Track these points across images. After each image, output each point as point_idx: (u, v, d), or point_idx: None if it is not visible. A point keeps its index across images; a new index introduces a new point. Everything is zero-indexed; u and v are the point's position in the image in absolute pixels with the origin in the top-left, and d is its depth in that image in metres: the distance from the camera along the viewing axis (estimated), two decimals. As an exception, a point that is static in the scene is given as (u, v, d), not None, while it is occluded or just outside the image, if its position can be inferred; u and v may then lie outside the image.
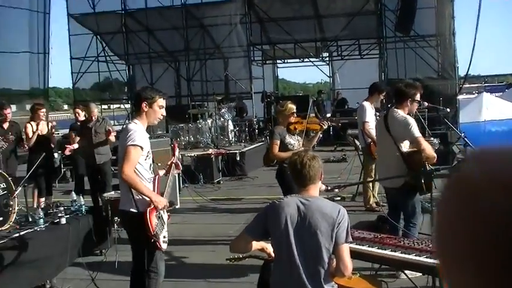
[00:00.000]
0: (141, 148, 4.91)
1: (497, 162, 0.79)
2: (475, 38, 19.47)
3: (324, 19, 23.74)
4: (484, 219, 0.75)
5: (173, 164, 5.52)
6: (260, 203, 11.14)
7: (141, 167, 4.97)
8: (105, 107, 29.74)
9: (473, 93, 46.75)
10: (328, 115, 23.95)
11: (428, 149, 5.97)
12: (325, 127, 7.87)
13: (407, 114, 6.43)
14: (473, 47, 18.87)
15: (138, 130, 4.96)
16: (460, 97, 23.70)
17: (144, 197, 4.93)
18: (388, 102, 13.13)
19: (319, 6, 22.86)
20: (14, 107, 12.90)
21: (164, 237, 5.13)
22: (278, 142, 7.42)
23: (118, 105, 30.98)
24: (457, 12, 23.19)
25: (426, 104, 8.12)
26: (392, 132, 6.29)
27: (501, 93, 45.48)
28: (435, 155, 5.95)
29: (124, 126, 5.37)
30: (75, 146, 10.49)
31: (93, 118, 10.06)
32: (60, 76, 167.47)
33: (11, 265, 6.08)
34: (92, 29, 23.70)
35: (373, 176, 9.71)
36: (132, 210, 4.95)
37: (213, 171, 14.39)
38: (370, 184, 9.90)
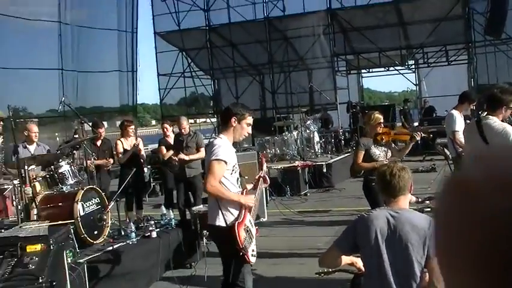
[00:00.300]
0: (225, 162, 4.93)
1: (497, 164, 0.80)
2: None
3: (408, 26, 23.23)
4: (484, 221, 0.75)
5: (261, 178, 5.49)
6: (348, 215, 10.98)
7: (227, 181, 4.99)
8: (192, 121, 30.27)
9: None
10: (416, 124, 23.46)
11: None
12: (418, 138, 7.62)
13: (501, 121, 6.13)
14: None
15: (222, 145, 4.99)
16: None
17: (231, 211, 4.96)
18: (479, 108, 12.67)
19: (404, 13, 22.41)
20: (105, 124, 13.33)
21: (253, 250, 5.11)
22: (362, 152, 7.30)
23: (204, 120, 31.49)
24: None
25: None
26: (490, 141, 5.99)
27: None
28: None
29: (210, 140, 5.39)
30: (183, 156, 10.57)
31: (184, 132, 10.21)
32: (147, 92, 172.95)
33: (105, 278, 6.25)
34: (177, 46, 24.27)
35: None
36: (220, 224, 4.96)
37: (300, 183, 14.31)
38: None
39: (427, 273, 3.63)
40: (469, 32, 21.45)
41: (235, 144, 5.43)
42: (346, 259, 3.97)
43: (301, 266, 7.78)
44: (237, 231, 4.87)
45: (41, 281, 3.89)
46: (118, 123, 20.97)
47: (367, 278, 3.84)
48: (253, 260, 5.11)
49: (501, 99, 5.97)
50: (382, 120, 7.57)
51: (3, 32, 16.78)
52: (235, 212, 4.97)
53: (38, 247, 4.11)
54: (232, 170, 5.06)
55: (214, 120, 25.60)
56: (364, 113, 20.59)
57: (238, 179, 5.17)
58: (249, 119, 5.18)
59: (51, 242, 4.24)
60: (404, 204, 3.79)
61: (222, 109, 25.10)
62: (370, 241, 3.68)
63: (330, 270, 4.24)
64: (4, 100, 15.54)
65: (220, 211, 4.94)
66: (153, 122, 78.28)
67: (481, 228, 0.75)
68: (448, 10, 20.81)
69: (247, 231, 5.04)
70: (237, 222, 4.92)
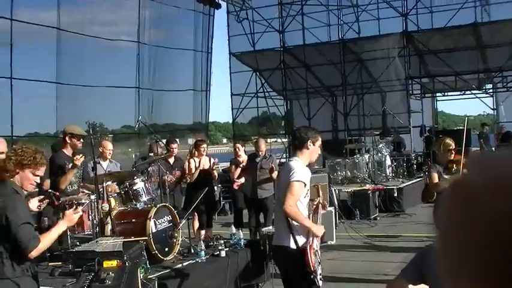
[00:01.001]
0: (305, 184, 5.06)
1: (499, 168, 0.80)
2: None
3: (487, 49, 22.72)
4: (486, 225, 0.76)
5: (320, 204, 5.54)
6: (418, 241, 10.78)
7: (300, 203, 5.07)
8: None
9: None
10: (493, 149, 22.83)
11: None
12: None
13: None
14: None
15: (301, 167, 5.13)
16: None
17: (301, 233, 5.01)
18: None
19: (483, 36, 21.91)
20: (177, 141, 13.66)
21: (320, 274, 5.16)
22: (436, 175, 7.20)
23: (275, 139, 31.64)
24: None
25: None
26: None
27: None
28: None
29: (285, 162, 5.49)
30: (242, 180, 10.77)
31: (261, 154, 10.37)
32: (219, 111, 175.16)
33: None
34: (251, 66, 24.57)
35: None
36: (290, 246, 5.02)
37: (370, 206, 14.19)
38: None
39: None
40: (551, 56, 20.78)
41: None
42: None
43: (368, 292, 7.73)
44: (309, 253, 4.93)
45: (116, 297, 4.07)
46: (190, 140, 21.48)
47: None
48: (321, 283, 5.14)
49: None
50: (452, 147, 7.42)
51: (84, 51, 17.40)
52: (305, 235, 5.03)
53: (114, 263, 4.28)
54: (306, 194, 5.16)
55: (285, 140, 25.68)
56: (437, 137, 20.27)
57: (308, 203, 5.24)
58: (320, 141, 5.38)
59: (125, 258, 4.40)
60: None
61: (293, 130, 25.24)
62: (436, 275, 3.62)
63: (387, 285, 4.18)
64: (83, 116, 16.20)
65: (291, 233, 5.01)
66: (224, 141, 79.17)
67: (485, 233, 0.76)
68: (530, 33, 20.26)
69: (316, 254, 5.08)
70: (308, 245, 4.99)
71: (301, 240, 5.03)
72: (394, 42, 21.76)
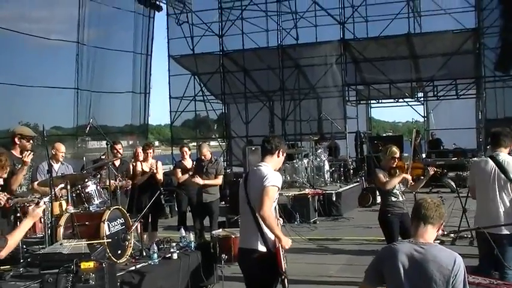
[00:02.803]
0: (278, 188, 5.20)
1: None
2: None
3: (420, 59, 23.56)
4: None
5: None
6: (358, 244, 11.17)
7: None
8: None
9: None
10: (423, 155, 23.67)
11: None
12: (431, 173, 7.86)
13: None
14: None
15: (273, 172, 5.27)
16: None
17: (271, 237, 5.14)
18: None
19: (416, 46, 22.73)
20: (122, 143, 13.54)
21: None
22: (382, 176, 7.58)
23: (208, 142, 31.73)
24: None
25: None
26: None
27: None
28: None
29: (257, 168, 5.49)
30: (185, 176, 10.83)
31: (205, 158, 10.47)
32: (152, 114, 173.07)
33: (127, 297, 6.38)
34: (190, 70, 24.61)
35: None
36: (259, 249, 5.13)
37: (310, 210, 14.47)
38: None
39: None
40: (479, 67, 21.71)
41: None
42: None
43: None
44: (279, 256, 5.09)
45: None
46: (127, 143, 21.28)
47: None
48: (287, 285, 5.25)
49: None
50: (397, 155, 7.81)
51: (17, 48, 16.98)
52: (273, 238, 5.15)
53: (91, 264, 4.31)
54: (276, 198, 5.30)
55: (223, 144, 25.81)
56: (372, 142, 20.86)
57: (276, 208, 5.40)
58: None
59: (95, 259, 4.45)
60: (430, 237, 3.93)
61: (230, 134, 25.49)
62: (393, 275, 3.82)
63: None
64: (18, 116, 15.88)
65: (261, 236, 5.13)
66: (156, 143, 78.45)
67: None
68: (460, 45, 21.15)
69: (284, 256, 5.23)
70: (279, 247, 5.13)
71: (270, 243, 5.14)
72: (332, 49, 22.27)
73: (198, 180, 10.31)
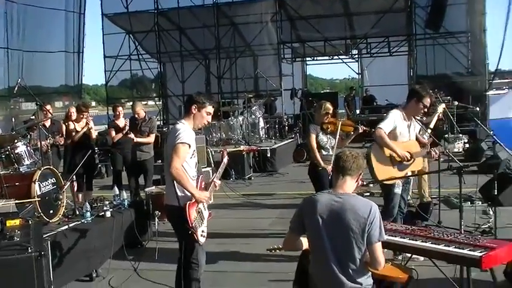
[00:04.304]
0: (189, 146, 5.23)
1: None
2: (505, 34, 19.57)
3: (354, 17, 23.89)
4: None
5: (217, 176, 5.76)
6: (291, 198, 11.47)
7: (186, 164, 5.29)
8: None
9: (504, 89, 46.28)
10: (357, 111, 24.23)
11: None
12: (360, 131, 8.15)
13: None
14: (503, 42, 18.99)
15: (185, 129, 5.29)
16: (490, 93, 23.66)
17: (186, 192, 5.23)
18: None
19: (350, 4, 23.04)
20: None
21: (203, 231, 5.37)
22: (314, 137, 7.84)
23: (146, 102, 31.52)
24: (489, 8, 23.10)
25: (456, 103, 8.42)
26: None
27: (532, 89, 44.91)
28: None
29: (172, 126, 5.59)
30: (119, 135, 10.87)
31: (139, 117, 10.48)
32: (87, 74, 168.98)
33: (61, 255, 6.45)
34: (125, 28, 24.20)
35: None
36: (174, 204, 5.25)
37: (245, 167, 14.74)
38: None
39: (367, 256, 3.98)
40: (410, 25, 22.15)
41: None
42: (306, 243, 4.29)
43: (247, 246, 8.20)
44: (187, 210, 5.15)
45: (30, 250, 4.23)
46: (58, 104, 20.97)
47: (312, 257, 4.17)
48: (202, 240, 5.34)
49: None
50: (331, 111, 8.10)
51: None
52: (189, 194, 5.25)
53: (17, 222, 4.39)
54: (192, 154, 5.36)
55: (159, 103, 25.68)
56: (307, 100, 21.16)
57: (196, 163, 5.49)
58: (209, 108, 5.47)
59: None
60: (349, 188, 4.15)
61: (167, 93, 25.35)
62: (313, 224, 4.02)
63: (280, 246, 4.55)
64: None
65: (175, 192, 5.21)
66: (93, 104, 77.16)
67: None
68: (392, 3, 21.47)
69: (199, 212, 5.33)
70: (188, 202, 5.19)
71: (184, 198, 5.23)
72: (267, 7, 22.25)
73: (132, 136, 10.38)
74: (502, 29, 19.53)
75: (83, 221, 7.16)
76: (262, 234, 8.86)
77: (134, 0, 23.23)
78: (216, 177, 5.76)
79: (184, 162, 5.24)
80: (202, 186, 5.53)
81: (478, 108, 11.78)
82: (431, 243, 4.44)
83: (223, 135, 17.02)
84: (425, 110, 6.93)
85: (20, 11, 18.91)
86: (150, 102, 27.90)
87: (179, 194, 5.22)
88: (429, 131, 9.58)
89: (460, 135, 17.18)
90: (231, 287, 6.67)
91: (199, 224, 5.30)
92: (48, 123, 10.37)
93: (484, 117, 20.43)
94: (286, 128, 20.18)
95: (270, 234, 8.77)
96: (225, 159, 6.08)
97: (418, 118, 8.95)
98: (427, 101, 6.75)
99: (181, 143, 5.17)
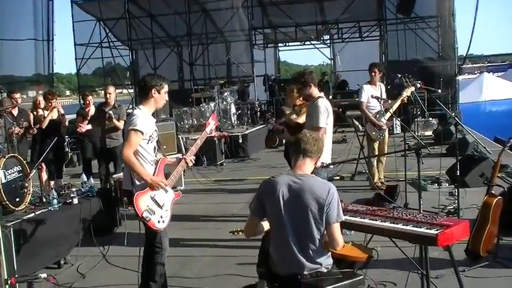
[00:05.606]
0: (142, 133, 5.19)
1: None
2: (475, 18, 19.83)
3: (324, 2, 23.95)
4: None
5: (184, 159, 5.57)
6: (262, 183, 11.50)
7: (143, 150, 5.28)
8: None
9: (475, 73, 46.86)
10: (330, 97, 24.32)
11: None
12: None
13: None
14: (473, 27, 19.19)
15: (141, 115, 5.27)
16: (461, 77, 23.92)
17: (140, 180, 5.20)
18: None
19: (320, -11, 23.11)
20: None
21: (161, 216, 5.26)
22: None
23: (121, 90, 31.31)
24: (457, -7, 23.34)
25: (418, 85, 8.54)
26: None
27: (503, 73, 45.63)
28: None
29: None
30: (89, 127, 10.85)
31: (110, 99, 10.40)
32: (61, 62, 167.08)
33: (28, 244, 6.41)
34: (95, 16, 23.94)
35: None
36: (129, 189, 5.27)
37: (216, 153, 14.75)
38: (374, 163, 10.29)
39: (327, 236, 4.04)
40: (381, 10, 22.28)
41: (153, 115, 5.65)
42: (266, 225, 4.33)
43: (217, 230, 8.26)
44: (135, 200, 5.10)
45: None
46: (32, 93, 20.72)
47: (272, 238, 4.21)
48: (160, 226, 5.25)
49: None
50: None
51: None
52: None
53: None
54: (149, 140, 5.32)
55: (131, 91, 25.52)
56: (280, 86, 21.22)
57: (155, 148, 5.43)
58: (166, 87, 5.48)
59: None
60: (307, 169, 4.20)
61: (139, 80, 24.87)
62: (273, 205, 4.06)
63: (243, 228, 4.57)
64: None
65: (130, 177, 5.24)
66: (67, 92, 76.54)
67: None
68: (362, -12, 21.57)
69: (153, 198, 5.22)
70: (137, 193, 5.13)
71: (139, 186, 5.20)
72: (238, -8, 22.19)
73: (117, 123, 10.22)
74: (472, 13, 19.73)
75: (49, 208, 7.12)
76: (232, 219, 8.91)
77: (104, -13, 23.01)
78: (192, 151, 5.65)
79: (140, 148, 5.24)
80: (164, 171, 5.45)
81: (440, 91, 11.92)
82: (390, 222, 4.52)
83: (195, 122, 17.00)
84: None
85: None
86: (125, 91, 27.70)
87: (136, 182, 5.21)
88: (388, 114, 9.83)
89: (430, 118, 17.52)
90: (198, 270, 6.71)
91: (154, 211, 5.20)
92: (15, 112, 10.29)
93: (454, 101, 20.68)
94: (259, 114, 20.21)
95: (238, 219, 8.81)
96: (209, 128, 5.91)
97: (382, 100, 9.18)
98: None
99: (133, 129, 5.17)
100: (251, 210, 4.32)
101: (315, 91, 6.83)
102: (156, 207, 5.24)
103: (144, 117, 5.30)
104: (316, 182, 4.09)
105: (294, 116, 8.06)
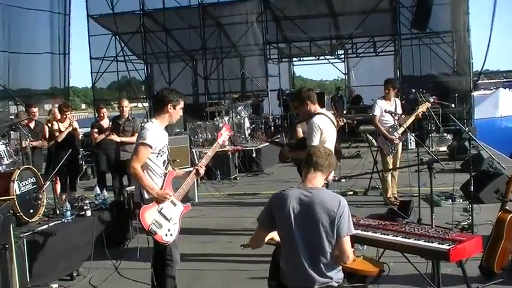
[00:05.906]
0: (150, 147, 5.19)
1: None
2: (490, 34, 19.71)
3: (339, 17, 24.02)
4: None
5: (196, 170, 5.58)
6: (275, 197, 11.47)
7: (152, 163, 5.28)
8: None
9: (491, 89, 46.58)
10: (344, 112, 24.31)
11: None
12: (341, 124, 8.23)
13: None
14: (489, 42, 19.15)
15: (151, 129, 5.28)
16: (477, 93, 23.78)
17: (148, 193, 5.22)
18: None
19: (334, 4, 23.15)
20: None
21: (169, 230, 5.26)
22: (301, 131, 8.02)
23: (135, 104, 31.48)
24: (474, 7, 23.30)
25: (432, 100, 8.53)
26: None
27: (519, 89, 45.28)
28: None
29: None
30: (102, 136, 10.89)
31: (124, 112, 10.48)
32: (77, 76, 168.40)
33: (41, 255, 6.45)
34: (111, 30, 24.16)
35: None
36: (140, 202, 5.25)
37: (230, 167, 14.76)
38: (388, 178, 10.25)
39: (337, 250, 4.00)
40: (395, 25, 22.28)
41: (166, 128, 5.66)
42: (267, 237, 4.36)
43: (228, 244, 8.23)
44: (141, 214, 5.10)
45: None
46: (48, 106, 20.88)
47: (283, 252, 4.19)
48: (168, 239, 5.25)
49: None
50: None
51: None
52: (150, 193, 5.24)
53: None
54: (158, 154, 5.31)
55: (146, 104, 25.66)
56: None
57: (165, 161, 5.42)
58: (182, 104, 5.49)
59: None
60: (318, 183, 4.19)
61: (154, 94, 25.22)
62: (283, 218, 4.05)
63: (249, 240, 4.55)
64: None
65: (140, 190, 5.25)
66: (83, 106, 77.12)
67: None
68: (376, 3, 21.58)
69: (160, 211, 5.22)
70: (143, 207, 5.13)
71: (148, 199, 5.21)
72: (252, 7, 22.33)
73: (115, 137, 10.38)
74: (487, 28, 19.66)
75: (63, 220, 7.16)
76: (244, 233, 8.88)
77: (120, 2, 23.18)
78: (204, 160, 5.66)
79: (149, 161, 5.25)
80: (172, 186, 5.42)
81: (453, 105, 11.85)
82: (402, 237, 4.50)
83: (209, 136, 17.03)
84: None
85: (5, 12, 18.83)
86: (140, 105, 27.85)
87: (145, 196, 5.22)
88: (402, 129, 9.79)
89: (445, 134, 17.44)
90: (210, 284, 6.71)
91: (161, 224, 5.19)
92: (32, 125, 10.42)
93: (469, 117, 20.58)
94: (272, 128, 20.21)
95: (251, 233, 8.74)
96: (221, 139, 5.91)
97: (396, 115, 9.13)
98: None
99: (141, 143, 5.19)
100: (259, 221, 4.32)
101: (313, 108, 6.71)
102: (164, 220, 5.24)
103: (154, 131, 5.30)
104: (327, 195, 4.09)
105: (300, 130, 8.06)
